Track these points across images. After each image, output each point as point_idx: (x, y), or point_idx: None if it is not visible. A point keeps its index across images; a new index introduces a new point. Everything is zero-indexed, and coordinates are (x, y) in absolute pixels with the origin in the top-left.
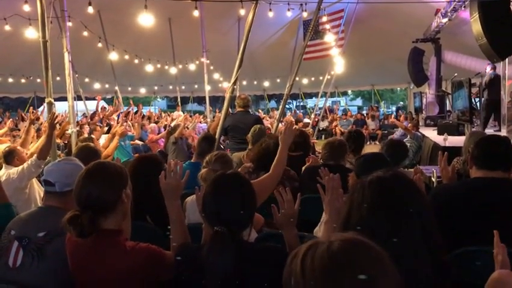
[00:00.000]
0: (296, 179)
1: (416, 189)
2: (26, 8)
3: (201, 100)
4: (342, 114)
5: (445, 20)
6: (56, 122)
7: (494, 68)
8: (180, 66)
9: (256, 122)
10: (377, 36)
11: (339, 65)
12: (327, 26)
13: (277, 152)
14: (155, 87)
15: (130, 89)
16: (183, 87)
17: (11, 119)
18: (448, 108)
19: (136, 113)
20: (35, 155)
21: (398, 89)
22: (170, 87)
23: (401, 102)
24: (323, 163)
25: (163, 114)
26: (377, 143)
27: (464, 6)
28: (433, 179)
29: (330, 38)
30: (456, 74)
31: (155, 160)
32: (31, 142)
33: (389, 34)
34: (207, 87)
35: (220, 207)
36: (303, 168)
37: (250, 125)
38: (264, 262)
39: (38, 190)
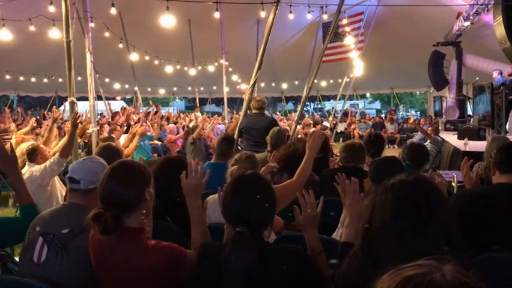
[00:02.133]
0: (318, 184)
1: (439, 193)
2: (51, 9)
3: (218, 101)
4: (361, 118)
5: (467, 23)
6: (78, 121)
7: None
8: (199, 68)
9: (270, 124)
10: (397, 39)
11: (358, 67)
12: (347, 29)
13: (303, 159)
14: (174, 88)
15: (149, 89)
16: (202, 88)
17: (34, 118)
18: (468, 113)
19: (155, 113)
20: (58, 153)
21: (418, 92)
22: (189, 88)
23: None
24: (341, 166)
25: (181, 115)
26: (396, 146)
27: (487, 10)
28: (453, 184)
29: (349, 40)
30: (478, 78)
31: (182, 162)
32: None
33: (409, 37)
34: (225, 89)
35: (240, 207)
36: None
37: (265, 127)
38: (285, 263)
39: (59, 188)
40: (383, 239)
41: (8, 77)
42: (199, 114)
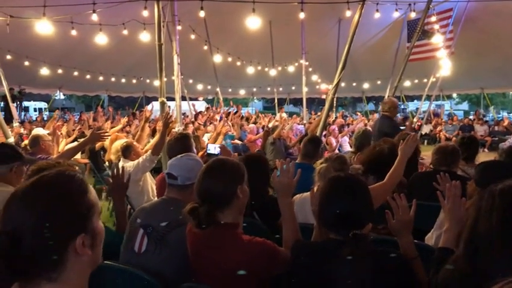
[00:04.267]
0: (405, 186)
1: None
2: (145, 13)
3: (296, 102)
4: (448, 119)
5: None
6: (170, 121)
7: None
8: (279, 68)
9: (387, 128)
10: (488, 36)
11: (445, 67)
12: (436, 26)
13: (395, 162)
14: (254, 89)
15: (230, 90)
16: (281, 88)
17: (125, 117)
18: None
19: (235, 113)
20: (150, 150)
21: (511, 93)
22: (268, 88)
23: None
24: (433, 169)
25: (260, 115)
26: (486, 150)
27: None
28: None
29: (437, 38)
30: None
31: (262, 159)
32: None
33: (502, 34)
34: (305, 89)
35: (334, 208)
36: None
37: (376, 131)
38: (384, 267)
39: (150, 183)
40: (490, 247)
41: (101, 78)
42: (284, 114)
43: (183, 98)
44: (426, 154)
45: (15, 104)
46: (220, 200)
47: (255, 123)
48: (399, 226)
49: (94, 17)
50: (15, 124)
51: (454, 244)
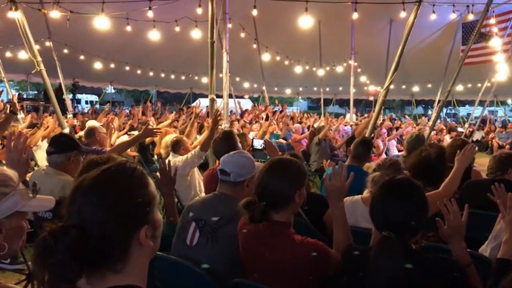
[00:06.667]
0: (457, 193)
1: None
2: (199, 11)
3: (342, 102)
4: (501, 126)
5: None
6: (219, 118)
7: None
8: (327, 68)
9: None
10: None
11: (502, 71)
12: (494, 29)
13: (452, 172)
14: (300, 88)
15: (276, 89)
16: (327, 89)
17: (173, 113)
18: None
19: (280, 112)
20: (198, 146)
21: None
22: (315, 88)
23: None
24: (488, 178)
25: (304, 115)
26: None
27: None
28: None
29: (495, 42)
30: None
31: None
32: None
33: None
34: (352, 90)
35: (389, 212)
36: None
37: None
38: (438, 273)
39: (198, 178)
40: None
41: (151, 73)
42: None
43: (230, 96)
44: (478, 161)
45: (70, 96)
46: (277, 201)
47: (300, 122)
48: (451, 232)
49: (150, 14)
50: (69, 116)
51: None
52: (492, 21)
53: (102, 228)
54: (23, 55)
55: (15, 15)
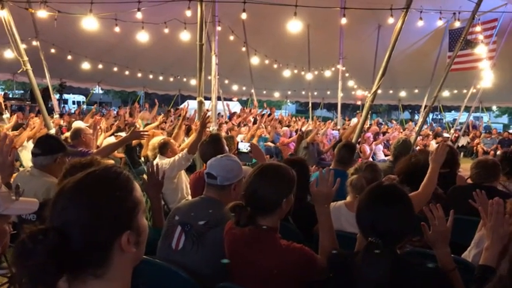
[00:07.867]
0: (443, 198)
1: None
2: (188, 13)
3: (330, 106)
4: (486, 132)
5: None
6: (207, 121)
7: None
8: (316, 72)
9: None
10: None
11: (487, 78)
12: (480, 36)
13: (428, 172)
14: (289, 92)
15: (264, 92)
16: (315, 93)
17: (162, 115)
18: None
19: (269, 115)
20: (186, 149)
21: None
22: (303, 92)
23: None
24: (472, 183)
25: (292, 119)
26: None
27: None
28: None
29: (481, 49)
30: None
31: (304, 165)
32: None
33: None
34: (340, 94)
35: (375, 219)
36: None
37: None
38: (421, 278)
39: (185, 181)
40: None
41: (139, 75)
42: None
43: (218, 98)
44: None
45: (57, 97)
46: (264, 206)
47: (288, 126)
48: (436, 237)
49: (138, 15)
50: (56, 116)
51: (495, 262)
52: (478, 28)
53: (83, 232)
54: (9, 54)
55: (2, 13)
